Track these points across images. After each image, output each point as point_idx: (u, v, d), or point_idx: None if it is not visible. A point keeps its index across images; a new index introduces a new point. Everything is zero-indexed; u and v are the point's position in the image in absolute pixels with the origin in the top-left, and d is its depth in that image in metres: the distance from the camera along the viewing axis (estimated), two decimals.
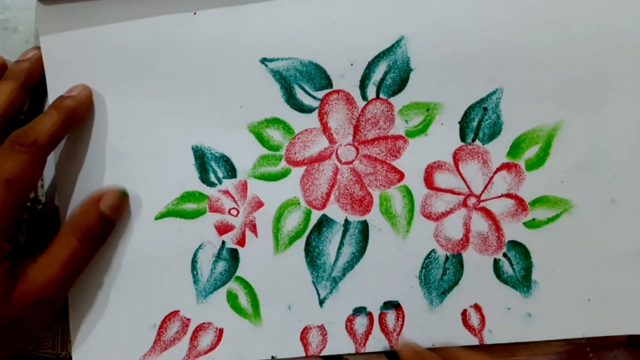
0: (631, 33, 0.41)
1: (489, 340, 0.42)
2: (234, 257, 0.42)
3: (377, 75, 0.41)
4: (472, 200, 0.42)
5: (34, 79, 0.41)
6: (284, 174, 0.42)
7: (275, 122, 0.42)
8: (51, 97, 0.41)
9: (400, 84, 0.41)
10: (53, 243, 0.38)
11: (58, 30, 0.41)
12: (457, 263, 0.42)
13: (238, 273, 0.42)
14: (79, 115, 0.40)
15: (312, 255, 0.42)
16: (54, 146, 0.38)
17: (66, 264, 0.37)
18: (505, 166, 0.42)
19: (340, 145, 0.42)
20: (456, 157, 0.42)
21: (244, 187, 0.42)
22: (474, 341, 0.42)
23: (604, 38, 0.41)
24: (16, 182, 0.35)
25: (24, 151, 0.36)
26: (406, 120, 0.42)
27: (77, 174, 0.42)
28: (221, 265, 0.42)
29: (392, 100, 0.41)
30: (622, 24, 0.41)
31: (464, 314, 0.42)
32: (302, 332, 0.42)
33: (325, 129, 0.42)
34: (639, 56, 0.41)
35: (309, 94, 0.41)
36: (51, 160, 0.42)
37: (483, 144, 0.42)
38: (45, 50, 0.41)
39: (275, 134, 0.42)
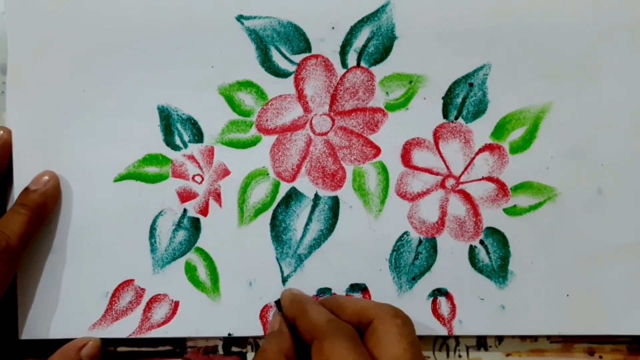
0: (627, 14, 0.38)
1: (458, 331, 0.39)
2: (195, 226, 0.39)
3: (359, 42, 0.39)
4: (450, 182, 0.39)
5: (3, 166, 0.39)
6: (253, 142, 0.39)
7: (247, 85, 0.39)
8: (12, 46, 0.39)
9: (383, 52, 0.39)
10: None
11: None
12: (430, 247, 0.39)
13: (198, 244, 0.39)
14: (47, 211, 0.38)
15: (277, 230, 0.39)
16: (25, 247, 0.37)
17: None
18: (488, 147, 0.39)
19: (315, 114, 0.39)
20: (437, 134, 0.39)
21: (210, 153, 0.39)
22: (443, 331, 0.39)
23: (599, 17, 0.38)
24: None
25: None
26: (387, 92, 0.39)
27: (35, 127, 0.39)
28: (181, 235, 0.39)
29: (373, 69, 0.39)
30: (618, 3, 0.38)
31: (434, 302, 0.39)
32: (262, 311, 0.39)
33: (300, 96, 0.39)
34: (633, 38, 0.38)
35: (286, 57, 0.39)
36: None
37: (466, 123, 0.39)
38: None
39: (247, 98, 0.39)
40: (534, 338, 0.40)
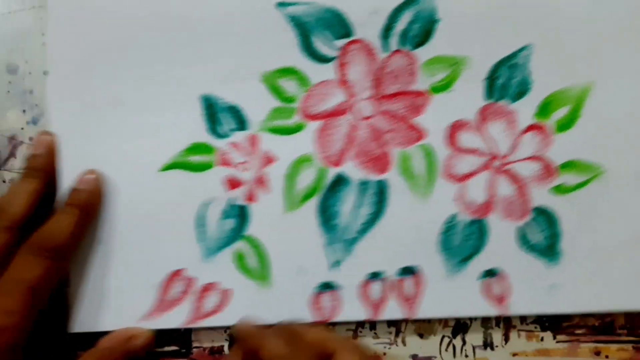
0: None
1: (509, 311, 0.39)
2: (242, 214, 0.39)
3: (400, 25, 0.39)
4: (496, 162, 0.39)
5: (53, 173, 0.39)
6: (297, 128, 0.39)
7: (289, 72, 0.39)
8: (51, 50, 0.39)
9: (425, 35, 0.39)
10: None
11: None
12: (479, 228, 0.39)
13: (246, 231, 0.39)
14: (95, 210, 0.38)
15: (325, 216, 0.39)
16: (75, 246, 0.37)
17: None
18: (533, 127, 0.39)
19: (359, 99, 0.39)
20: (481, 115, 0.39)
21: (255, 140, 0.39)
22: (494, 312, 0.39)
23: None
24: (41, 289, 0.35)
25: (48, 257, 0.35)
26: (429, 75, 0.39)
27: (78, 121, 0.39)
28: (229, 223, 0.39)
29: (415, 52, 0.39)
30: None
31: (485, 283, 0.39)
32: (313, 297, 0.39)
33: (343, 81, 0.39)
34: None
35: (328, 43, 0.39)
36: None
37: (510, 103, 0.39)
38: None
39: (289, 85, 0.39)
40: (541, 337, 0.40)
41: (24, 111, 0.41)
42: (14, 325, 0.34)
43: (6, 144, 0.41)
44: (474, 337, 0.40)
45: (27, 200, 0.37)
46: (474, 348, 0.40)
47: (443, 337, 0.40)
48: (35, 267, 0.35)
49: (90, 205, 0.38)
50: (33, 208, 0.37)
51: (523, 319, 0.40)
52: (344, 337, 0.39)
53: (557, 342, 0.40)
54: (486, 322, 0.40)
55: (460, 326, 0.40)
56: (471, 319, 0.40)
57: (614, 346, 0.40)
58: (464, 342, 0.40)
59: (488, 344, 0.40)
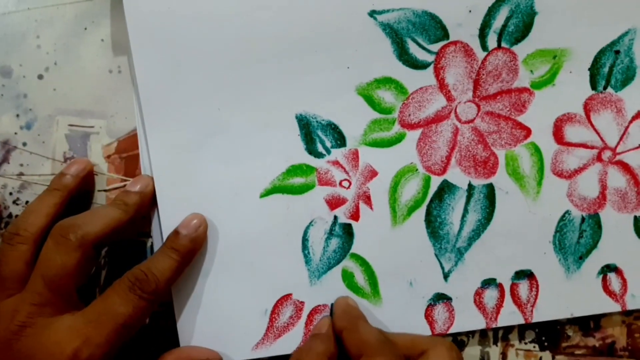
0: None
1: (631, 305, 0.38)
2: (347, 232, 0.38)
3: (498, 22, 0.37)
4: (607, 154, 0.38)
5: (143, 210, 0.38)
6: (398, 139, 0.38)
7: (386, 81, 0.38)
8: (138, 68, 0.37)
9: (524, 30, 0.37)
10: None
11: None
12: (594, 224, 0.38)
13: (353, 250, 0.38)
14: (194, 256, 0.37)
15: (433, 226, 0.38)
16: (168, 290, 0.37)
17: None
18: None
19: (459, 102, 0.38)
20: (587, 107, 0.38)
21: (354, 155, 0.38)
22: (616, 307, 0.38)
23: None
24: (130, 327, 0.34)
25: (144, 298, 0.34)
26: (531, 71, 0.38)
27: (174, 150, 0.38)
28: (334, 243, 0.38)
29: (515, 49, 0.37)
30: None
31: (604, 279, 0.38)
32: (427, 310, 0.38)
33: (442, 85, 0.38)
34: None
35: (423, 48, 0.37)
36: None
37: (616, 91, 0.38)
38: (129, 15, 0.37)
39: (386, 95, 0.38)
40: (539, 358, 0.39)
41: (17, 115, 0.39)
42: (98, 357, 0.33)
43: None
44: (471, 355, 0.39)
45: (106, 224, 0.35)
46: None
47: None
48: (129, 305, 0.34)
49: (191, 252, 0.37)
50: (113, 233, 0.35)
51: (522, 337, 0.39)
52: (436, 337, 0.38)
53: None
54: (483, 339, 0.39)
55: (456, 344, 0.39)
56: (468, 337, 0.39)
57: None
58: None
59: None
